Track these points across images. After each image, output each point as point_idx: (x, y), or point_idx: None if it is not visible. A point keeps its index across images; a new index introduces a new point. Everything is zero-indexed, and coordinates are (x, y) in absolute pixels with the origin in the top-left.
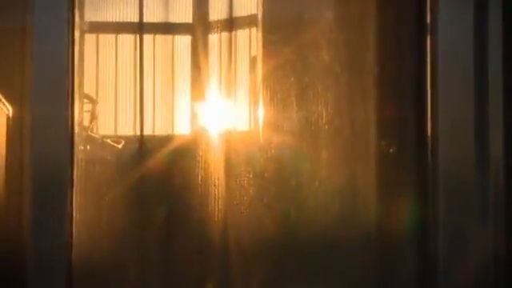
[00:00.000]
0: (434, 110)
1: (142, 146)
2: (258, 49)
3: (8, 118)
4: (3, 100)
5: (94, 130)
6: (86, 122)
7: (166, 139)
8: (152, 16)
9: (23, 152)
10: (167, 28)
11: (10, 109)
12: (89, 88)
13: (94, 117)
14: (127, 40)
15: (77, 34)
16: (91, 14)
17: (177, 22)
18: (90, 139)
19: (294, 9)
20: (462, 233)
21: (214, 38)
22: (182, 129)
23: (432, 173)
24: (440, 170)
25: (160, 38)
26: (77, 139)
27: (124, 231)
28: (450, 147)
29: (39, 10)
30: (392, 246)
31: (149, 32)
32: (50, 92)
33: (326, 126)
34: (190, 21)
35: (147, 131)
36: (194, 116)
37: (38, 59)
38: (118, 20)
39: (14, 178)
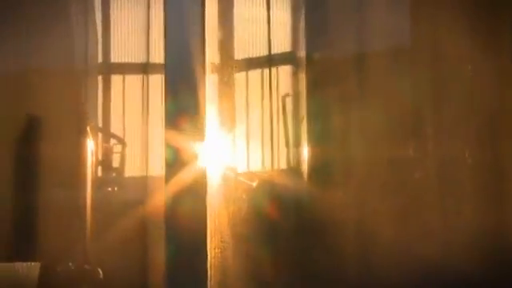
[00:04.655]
0: None
1: (275, 184)
2: None
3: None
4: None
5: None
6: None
7: (298, 177)
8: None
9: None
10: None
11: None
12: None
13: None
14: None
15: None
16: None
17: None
18: (224, 177)
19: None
20: None
21: None
22: (310, 166)
23: None
24: None
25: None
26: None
27: (257, 272)
28: None
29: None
30: None
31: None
32: (185, 133)
33: (470, 160)
34: None
35: (280, 168)
36: (328, 154)
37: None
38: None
39: (147, 219)
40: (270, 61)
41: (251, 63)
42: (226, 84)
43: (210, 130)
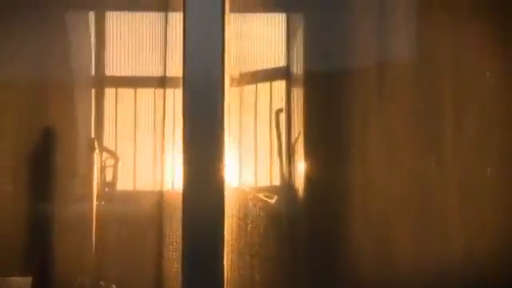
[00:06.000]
0: None
1: (294, 201)
2: None
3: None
4: None
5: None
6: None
7: (317, 193)
8: None
9: (173, 208)
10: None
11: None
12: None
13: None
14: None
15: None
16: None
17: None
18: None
19: None
20: None
21: None
22: (329, 181)
23: None
24: None
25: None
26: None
27: None
28: None
29: None
30: None
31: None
32: (203, 148)
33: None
34: None
35: (298, 185)
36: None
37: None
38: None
39: (162, 234)
40: (287, 74)
41: (270, 75)
42: (246, 97)
43: (229, 144)
